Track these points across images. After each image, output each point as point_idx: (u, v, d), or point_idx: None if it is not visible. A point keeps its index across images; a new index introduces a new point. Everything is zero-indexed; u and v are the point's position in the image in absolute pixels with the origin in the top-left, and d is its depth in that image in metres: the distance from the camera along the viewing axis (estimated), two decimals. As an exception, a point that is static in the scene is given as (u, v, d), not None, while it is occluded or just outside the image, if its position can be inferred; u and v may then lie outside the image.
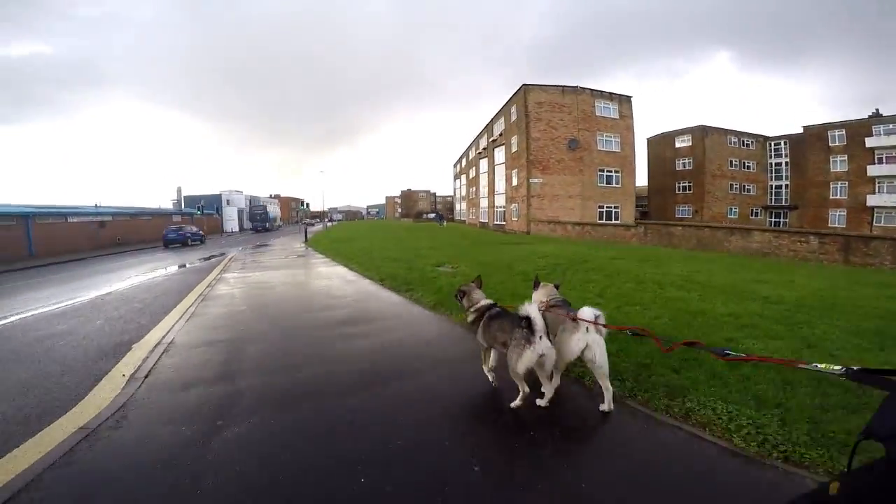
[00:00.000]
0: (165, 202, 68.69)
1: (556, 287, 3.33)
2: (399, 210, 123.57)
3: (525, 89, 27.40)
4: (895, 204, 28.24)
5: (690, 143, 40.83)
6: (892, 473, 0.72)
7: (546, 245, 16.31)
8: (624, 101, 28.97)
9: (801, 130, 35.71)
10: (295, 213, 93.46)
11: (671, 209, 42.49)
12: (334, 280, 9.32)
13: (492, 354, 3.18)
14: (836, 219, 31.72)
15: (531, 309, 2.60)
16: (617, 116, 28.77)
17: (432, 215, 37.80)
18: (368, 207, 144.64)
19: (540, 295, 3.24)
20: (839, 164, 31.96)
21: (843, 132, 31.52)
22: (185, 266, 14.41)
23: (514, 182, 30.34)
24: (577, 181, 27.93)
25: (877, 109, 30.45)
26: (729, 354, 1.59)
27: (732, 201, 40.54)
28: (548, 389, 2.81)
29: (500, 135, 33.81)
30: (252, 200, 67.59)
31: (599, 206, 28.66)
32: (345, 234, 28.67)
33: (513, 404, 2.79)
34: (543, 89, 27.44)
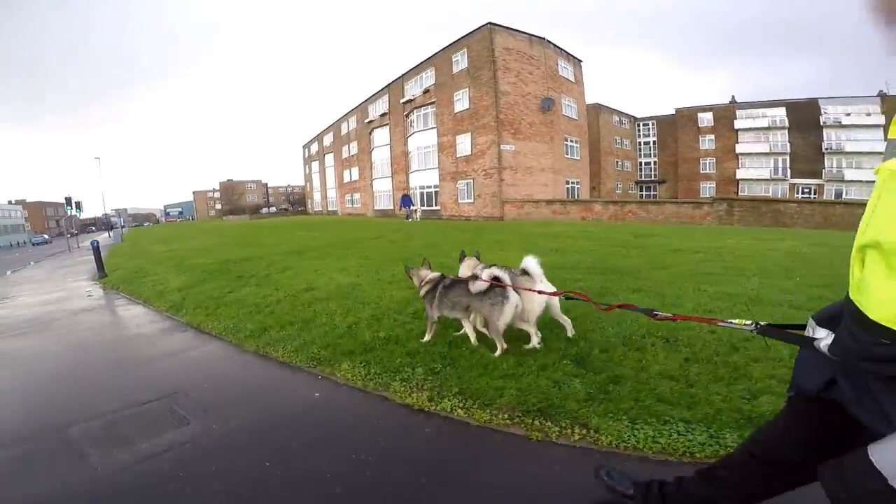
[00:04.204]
0: None
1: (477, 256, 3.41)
2: (217, 206, 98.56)
3: (491, 29, 20.77)
4: (756, 177, 34.74)
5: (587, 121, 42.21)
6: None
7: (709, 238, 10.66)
8: (577, 64, 25.86)
9: (666, 112, 41.02)
10: (56, 222, 62.97)
11: (566, 186, 43.59)
12: None
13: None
14: (707, 190, 37.41)
15: (496, 270, 2.77)
16: (573, 80, 25.44)
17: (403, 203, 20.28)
18: (167, 207, 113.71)
19: (466, 268, 3.28)
20: (707, 142, 37.68)
21: (711, 114, 37.19)
22: None
23: (466, 151, 23.46)
24: (549, 151, 23.41)
25: (733, 96, 36.87)
26: (657, 314, 1.59)
27: (617, 177, 44.17)
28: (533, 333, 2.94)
29: (427, 92, 26.00)
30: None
31: (566, 182, 25.02)
32: (204, 249, 12.40)
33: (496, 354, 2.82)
34: (511, 33, 21.51)
